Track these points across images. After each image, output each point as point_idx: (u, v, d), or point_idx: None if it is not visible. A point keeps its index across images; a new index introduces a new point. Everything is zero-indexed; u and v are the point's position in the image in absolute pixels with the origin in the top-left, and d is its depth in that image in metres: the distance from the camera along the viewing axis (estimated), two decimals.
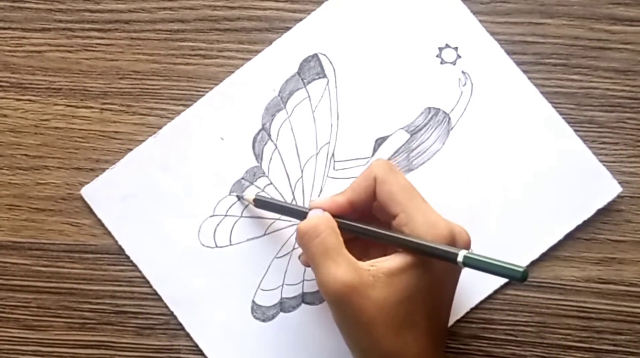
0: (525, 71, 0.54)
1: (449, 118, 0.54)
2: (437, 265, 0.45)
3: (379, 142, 0.54)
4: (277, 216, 0.54)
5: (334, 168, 0.54)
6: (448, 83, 0.54)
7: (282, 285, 0.54)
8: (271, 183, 0.54)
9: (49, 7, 0.55)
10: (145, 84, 0.55)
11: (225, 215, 0.54)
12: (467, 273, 0.46)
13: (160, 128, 0.54)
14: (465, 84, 0.54)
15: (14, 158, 0.55)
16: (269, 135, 0.54)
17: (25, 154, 0.55)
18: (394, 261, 0.45)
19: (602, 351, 0.53)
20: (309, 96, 0.54)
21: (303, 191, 0.54)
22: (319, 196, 0.54)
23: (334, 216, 0.48)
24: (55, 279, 0.54)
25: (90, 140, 0.55)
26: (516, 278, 0.41)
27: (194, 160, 0.54)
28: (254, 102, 0.54)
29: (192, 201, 0.54)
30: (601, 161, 0.54)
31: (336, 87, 0.54)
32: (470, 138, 0.54)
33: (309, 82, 0.54)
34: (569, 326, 0.53)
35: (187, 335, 0.53)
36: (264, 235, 0.54)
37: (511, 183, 0.53)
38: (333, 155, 0.54)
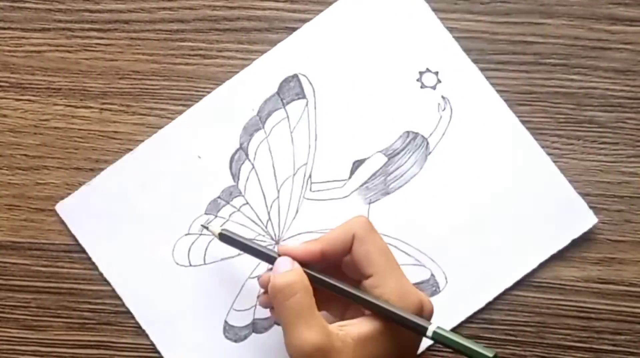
0: (525, 71, 0.54)
1: (427, 142, 0.54)
2: (404, 333, 0.45)
3: (357, 165, 0.54)
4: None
5: (310, 189, 0.54)
6: (427, 107, 0.54)
7: (255, 306, 0.53)
8: (247, 203, 0.54)
9: (49, 7, 0.55)
10: (145, 84, 0.55)
11: (200, 234, 0.54)
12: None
13: (160, 128, 0.54)
14: (444, 109, 0.54)
15: (13, 158, 0.55)
16: (247, 155, 0.54)
17: (25, 154, 0.55)
18: (363, 326, 0.45)
19: (601, 351, 0.53)
20: (287, 117, 0.54)
21: (279, 211, 0.54)
22: (294, 218, 0.54)
23: (303, 264, 0.47)
24: (55, 279, 0.54)
25: (90, 140, 0.55)
26: None
27: (171, 178, 0.54)
28: (233, 121, 0.54)
29: (168, 219, 0.54)
30: (601, 161, 0.54)
31: (315, 108, 0.54)
32: (448, 163, 0.54)
33: (288, 103, 0.54)
34: (568, 326, 0.53)
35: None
36: (238, 255, 0.53)
37: (487, 210, 0.53)
38: (310, 176, 0.54)
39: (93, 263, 0.54)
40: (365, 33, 0.54)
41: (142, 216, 0.54)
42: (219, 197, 0.54)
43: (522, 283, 0.53)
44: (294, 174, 0.54)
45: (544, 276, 0.53)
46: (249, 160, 0.54)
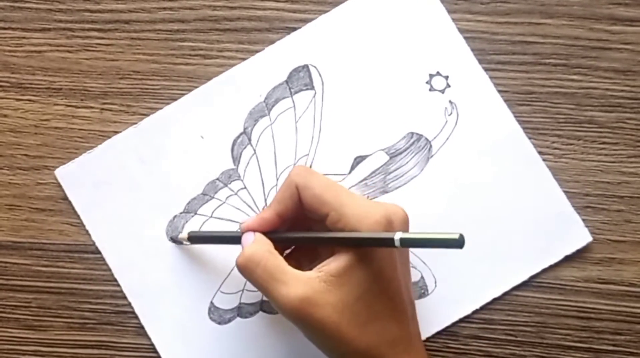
0: (525, 71, 0.54)
1: (431, 145, 0.54)
2: (379, 252, 0.45)
3: (358, 160, 0.54)
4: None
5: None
6: (434, 111, 0.54)
7: (243, 290, 0.54)
8: (245, 188, 0.54)
9: (49, 7, 0.55)
10: (145, 84, 0.55)
11: (196, 213, 0.54)
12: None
13: None
14: (451, 113, 0.54)
15: (14, 157, 0.55)
16: (249, 139, 0.54)
17: (26, 154, 0.55)
18: (338, 261, 0.45)
19: (601, 351, 0.53)
20: (294, 106, 0.54)
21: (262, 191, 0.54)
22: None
23: (267, 233, 0.48)
24: (55, 279, 0.54)
25: (90, 140, 0.55)
26: (454, 245, 0.40)
27: (172, 155, 0.54)
28: (239, 105, 0.54)
29: (165, 195, 0.54)
30: (601, 161, 0.54)
31: (322, 100, 0.54)
32: (449, 168, 0.53)
33: (295, 92, 0.54)
34: (568, 326, 0.53)
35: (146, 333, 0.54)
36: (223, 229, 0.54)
37: (483, 219, 0.53)
38: (310, 167, 0.54)
39: (93, 263, 0.54)
40: (380, 30, 0.54)
41: (139, 190, 0.54)
42: (217, 179, 0.54)
43: (521, 283, 0.53)
44: (295, 164, 0.54)
45: (544, 276, 0.53)
46: (251, 145, 0.54)
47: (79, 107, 0.55)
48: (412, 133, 0.54)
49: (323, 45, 0.54)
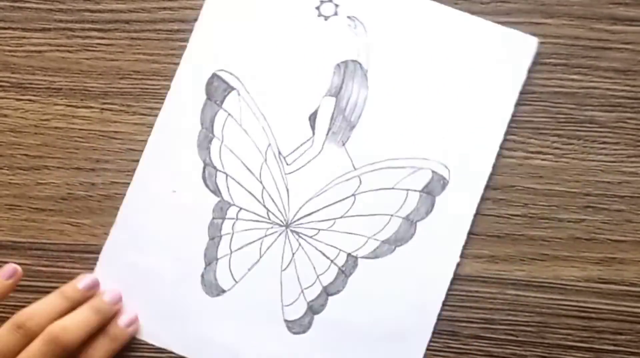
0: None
1: (359, 64, 0.54)
2: None
3: (312, 118, 0.54)
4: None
5: (287, 163, 0.54)
6: (341, 33, 0.54)
7: (302, 291, 0.54)
8: (241, 209, 0.54)
9: (49, 7, 0.55)
10: (145, 84, 0.55)
11: (217, 259, 0.54)
12: None
13: None
14: (356, 26, 0.54)
15: (14, 158, 0.55)
16: (214, 167, 0.54)
17: (25, 154, 0.55)
18: None
19: (602, 351, 0.53)
20: (229, 114, 0.54)
21: (273, 199, 0.54)
22: (288, 197, 0.54)
23: None
24: (55, 279, 0.54)
25: (90, 140, 0.55)
26: None
27: (162, 227, 0.54)
28: (185, 144, 0.54)
29: (179, 264, 0.54)
30: (601, 161, 0.54)
31: (247, 92, 0.54)
32: (388, 70, 0.54)
33: (222, 101, 0.54)
34: (569, 326, 0.53)
35: None
36: (261, 256, 0.54)
37: (446, 86, 0.53)
38: (280, 153, 0.54)
39: (93, 263, 0.54)
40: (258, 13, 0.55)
41: (152, 275, 0.54)
42: (213, 218, 0.54)
43: (522, 283, 0.53)
44: (265, 159, 0.54)
45: (544, 276, 0.53)
46: (220, 171, 0.54)
47: (79, 107, 0.55)
48: (338, 64, 0.54)
49: (214, 48, 0.54)
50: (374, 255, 0.53)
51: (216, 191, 0.54)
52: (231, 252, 0.54)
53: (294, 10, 0.54)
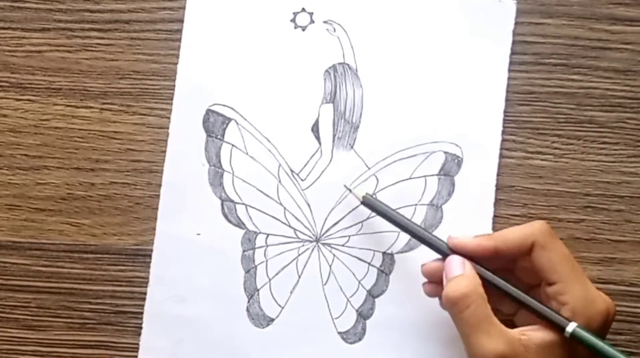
0: (525, 71, 0.54)
1: (347, 64, 0.54)
2: (580, 349, 0.45)
3: (315, 129, 0.54)
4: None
5: (301, 179, 0.54)
6: (322, 40, 0.54)
7: (348, 300, 0.54)
8: (268, 235, 0.54)
9: (49, 7, 0.55)
10: (145, 84, 0.55)
11: (257, 290, 0.54)
12: None
13: (160, 128, 0.54)
14: (335, 29, 0.54)
15: (14, 158, 0.55)
16: (231, 200, 0.54)
17: (25, 154, 0.55)
18: (546, 334, 0.46)
19: None
20: (233, 145, 0.54)
21: (295, 217, 0.54)
22: (311, 212, 0.54)
23: (474, 258, 0.47)
24: (55, 279, 0.54)
25: (90, 140, 0.55)
26: None
27: (196, 273, 0.54)
28: (199, 188, 0.54)
29: (223, 305, 0.53)
30: (601, 161, 0.54)
31: (245, 119, 0.54)
32: (377, 63, 0.54)
33: (223, 134, 0.54)
34: None
35: None
36: (300, 276, 0.54)
37: (439, 61, 0.54)
38: (292, 171, 0.54)
39: (93, 263, 0.54)
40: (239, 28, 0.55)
41: (197, 323, 0.54)
42: (243, 251, 0.54)
43: None
44: (280, 181, 0.54)
45: None
46: (239, 203, 0.54)
47: (78, 107, 0.55)
48: (327, 70, 0.54)
49: (205, 83, 0.54)
50: (409, 247, 0.53)
51: (240, 224, 0.54)
52: (270, 279, 0.54)
53: (270, 28, 0.54)
